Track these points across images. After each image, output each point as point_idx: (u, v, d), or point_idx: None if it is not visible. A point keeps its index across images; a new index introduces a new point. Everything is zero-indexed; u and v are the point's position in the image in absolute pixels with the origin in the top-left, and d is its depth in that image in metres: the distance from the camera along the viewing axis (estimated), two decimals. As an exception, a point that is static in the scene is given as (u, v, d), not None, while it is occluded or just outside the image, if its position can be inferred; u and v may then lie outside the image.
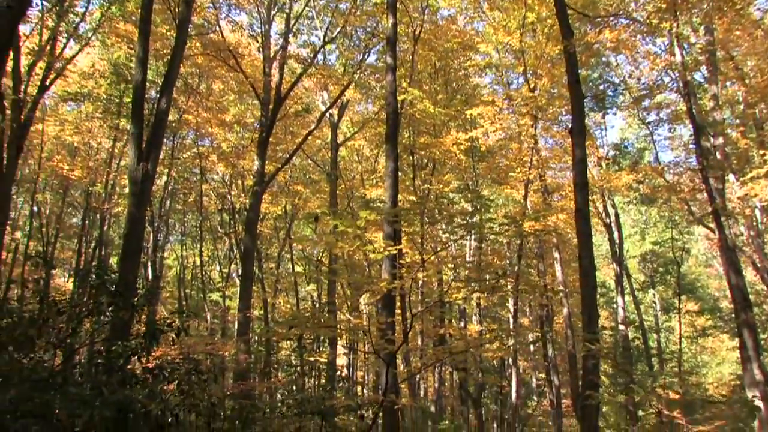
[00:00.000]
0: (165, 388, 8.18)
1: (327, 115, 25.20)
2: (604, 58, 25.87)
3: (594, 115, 30.04)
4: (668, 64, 20.64)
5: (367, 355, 30.08)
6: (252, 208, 20.76)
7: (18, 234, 30.20)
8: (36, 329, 7.47)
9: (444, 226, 24.52)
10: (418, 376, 26.60)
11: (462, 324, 28.60)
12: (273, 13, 23.22)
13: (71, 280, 31.30)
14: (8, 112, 18.53)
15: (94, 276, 7.99)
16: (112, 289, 8.07)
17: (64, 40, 21.62)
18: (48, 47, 20.41)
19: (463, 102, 23.83)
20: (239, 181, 29.48)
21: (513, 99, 21.87)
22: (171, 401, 8.02)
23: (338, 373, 25.14)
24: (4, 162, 18.50)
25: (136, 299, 8.35)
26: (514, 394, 20.85)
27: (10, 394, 6.00)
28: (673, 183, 24.60)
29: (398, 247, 10.55)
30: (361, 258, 26.33)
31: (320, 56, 25.52)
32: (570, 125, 12.83)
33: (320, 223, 28.28)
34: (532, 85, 21.38)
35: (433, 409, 28.88)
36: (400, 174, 15.70)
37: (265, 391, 23.36)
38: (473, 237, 26.11)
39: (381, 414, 11.17)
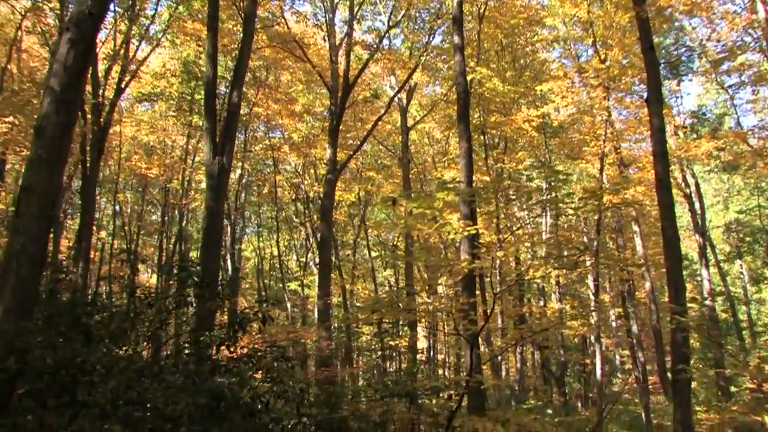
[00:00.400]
0: (253, 375, 8.33)
1: (396, 99, 25.15)
2: (677, 23, 25.04)
3: (669, 83, 29.12)
4: (749, 22, 19.81)
5: (446, 338, 30.07)
6: (326, 196, 20.92)
7: (103, 233, 31.20)
8: (129, 322, 7.72)
9: (520, 205, 24.34)
10: (499, 356, 26.44)
11: (542, 303, 28.30)
12: (336, 1, 23.27)
13: (154, 275, 32.20)
14: (89, 116, 19.15)
15: (179, 269, 8.18)
16: (197, 280, 8.24)
17: (136, 43, 22.21)
18: (122, 51, 20.98)
19: (532, 78, 23.48)
20: (312, 170, 29.74)
21: (583, 72, 21.35)
22: (260, 388, 8.15)
23: (419, 356, 25.19)
24: (88, 165, 19.15)
25: (220, 290, 8.52)
26: (598, 372, 20.49)
27: (112, 384, 6.23)
28: (758, 148, 23.61)
29: (476, 227, 10.46)
30: (437, 241, 26.30)
31: (385, 41, 25.50)
32: (645, 95, 12.49)
33: (397, 207, 28.33)
34: (602, 56, 20.85)
35: (516, 389, 28.69)
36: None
37: (348, 376, 23.61)
38: (549, 214, 25.75)
39: (466, 395, 11.13)
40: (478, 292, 17.05)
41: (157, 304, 8.09)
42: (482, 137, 23.84)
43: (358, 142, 24.75)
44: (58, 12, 19.75)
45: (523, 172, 26.44)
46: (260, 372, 8.36)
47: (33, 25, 21.90)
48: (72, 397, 6.98)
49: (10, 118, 20.39)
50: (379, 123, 25.14)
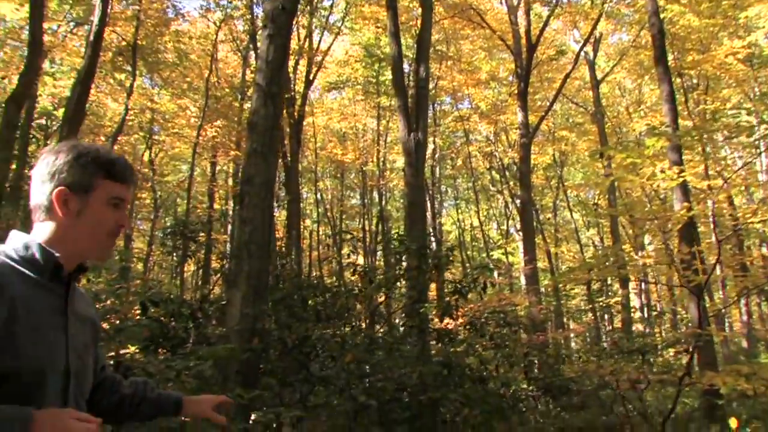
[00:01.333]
0: (478, 342, 8.35)
1: (582, 53, 24.23)
2: None
3: None
4: None
5: (660, 294, 28.77)
6: (522, 161, 20.60)
7: (308, 221, 32.67)
8: (353, 300, 8.00)
9: (731, 147, 22.67)
10: (723, 309, 24.89)
11: (764, 249, 26.35)
12: (510, -41, 22.74)
13: (361, 256, 33.29)
14: (285, 110, 20.07)
15: (398, 242, 8.34)
16: (416, 252, 8.36)
17: (319, 35, 22.96)
18: (306, 44, 21.75)
19: (732, 6, 21.66)
20: (503, 137, 29.39)
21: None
22: (485, 355, 8.18)
23: (632, 313, 24.29)
24: (288, 157, 20.09)
25: (436, 261, 8.60)
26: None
27: (348, 358, 6.48)
28: None
29: (691, 172, 9.84)
30: (639, 195, 25.18)
31: (565, -7, 24.58)
32: None
33: (594, 165, 27.37)
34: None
35: (744, 343, 26.94)
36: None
37: (562, 339, 23.20)
38: (765, 154, 23.79)
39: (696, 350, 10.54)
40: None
41: (378, 280, 8.30)
42: (679, 80, 22.37)
43: (548, 103, 24.13)
44: (247, 18, 20.87)
45: (727, 112, 24.57)
46: (483, 338, 8.37)
47: (225, 35, 23.31)
48: (308, 373, 7.36)
49: (218, 122, 21.85)
50: (567, 80, 24.34)
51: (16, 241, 1.77)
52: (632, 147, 9.79)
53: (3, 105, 14.21)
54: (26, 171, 14.78)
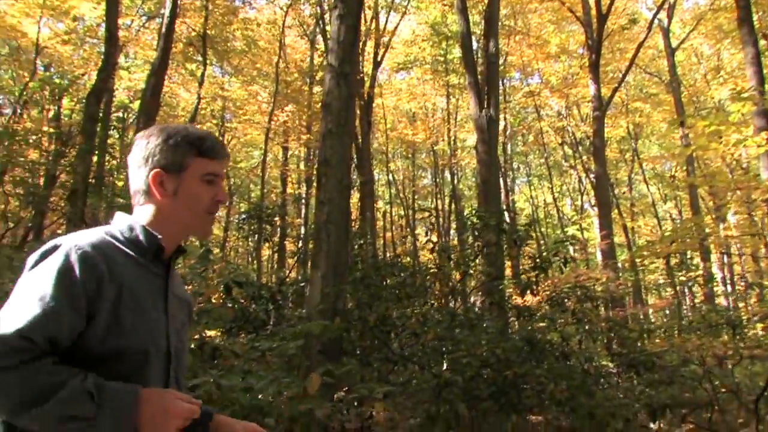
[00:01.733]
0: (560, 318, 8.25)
1: (655, 21, 23.50)
2: None
3: None
4: None
5: (743, 267, 27.91)
6: (596, 135, 20.17)
7: (380, 203, 32.80)
8: (432, 278, 8.00)
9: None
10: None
11: None
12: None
13: (434, 234, 33.29)
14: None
15: (477, 218, 8.29)
16: (497, 227, 8.29)
17: (385, 16, 22.91)
18: (373, 26, 21.74)
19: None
20: (575, 111, 28.84)
21: None
22: (567, 330, 8.07)
23: (715, 287, 23.67)
24: (359, 138, 20.17)
25: (515, 237, 8.51)
26: None
27: (430, 335, 6.50)
28: None
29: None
30: (719, 165, 24.39)
31: (635, -41, 23.91)
32: None
33: (671, 136, 26.64)
34: None
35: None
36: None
37: (641, 315, 22.76)
38: None
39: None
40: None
41: (457, 257, 8.27)
42: (763, 42, 21.44)
43: (620, 74, 23.50)
44: (313, 2, 20.99)
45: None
46: (565, 314, 8.26)
47: (292, 20, 23.50)
48: (389, 351, 7.40)
49: (289, 107, 22.07)
50: (641, 49, 23.65)
51: (121, 223, 1.82)
52: (714, 114, 9.44)
53: (84, 100, 14.68)
54: (107, 162, 15.23)
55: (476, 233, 8.17)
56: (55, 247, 1.65)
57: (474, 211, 8.89)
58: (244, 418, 4.82)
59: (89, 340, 1.61)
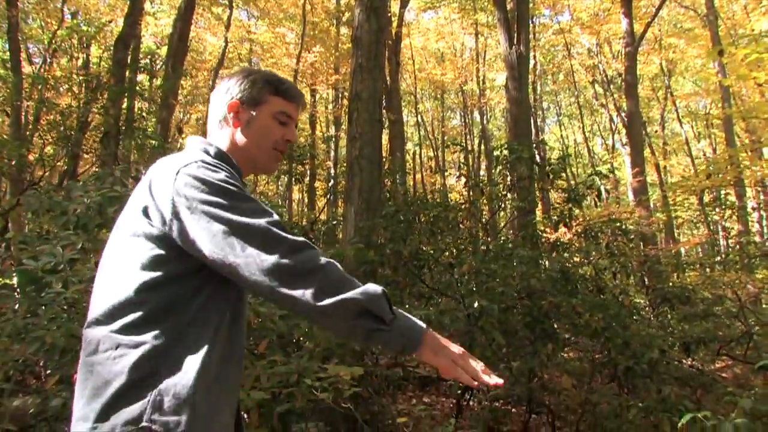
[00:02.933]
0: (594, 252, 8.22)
1: (691, -49, 22.86)
2: None
3: None
4: None
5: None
6: (628, 71, 19.80)
7: (409, 144, 32.69)
8: (465, 212, 7.99)
9: None
10: None
11: None
12: None
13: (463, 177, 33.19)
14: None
15: (509, 151, 8.22)
16: (529, 161, 8.23)
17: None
18: (400, -38, 21.37)
19: None
20: (606, 48, 28.27)
21: None
22: (601, 263, 8.04)
23: (750, 225, 23.37)
24: (388, 79, 20.00)
25: (548, 170, 8.45)
26: None
27: (464, 268, 6.53)
28: None
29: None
30: (756, 98, 23.86)
31: None
32: None
33: (706, 71, 26.03)
34: None
35: None
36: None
37: (673, 252, 22.63)
38: None
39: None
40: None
41: (488, 190, 8.24)
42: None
43: (653, 9, 22.91)
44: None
45: None
46: (599, 248, 8.23)
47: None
48: (423, 284, 7.45)
49: (317, 47, 21.88)
50: (676, -19, 23.06)
51: (202, 144, 1.90)
52: (756, 43, 9.16)
53: (112, 47, 14.69)
54: (136, 106, 15.29)
55: (508, 167, 8.13)
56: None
57: (506, 144, 8.79)
58: (283, 346, 4.90)
59: None
